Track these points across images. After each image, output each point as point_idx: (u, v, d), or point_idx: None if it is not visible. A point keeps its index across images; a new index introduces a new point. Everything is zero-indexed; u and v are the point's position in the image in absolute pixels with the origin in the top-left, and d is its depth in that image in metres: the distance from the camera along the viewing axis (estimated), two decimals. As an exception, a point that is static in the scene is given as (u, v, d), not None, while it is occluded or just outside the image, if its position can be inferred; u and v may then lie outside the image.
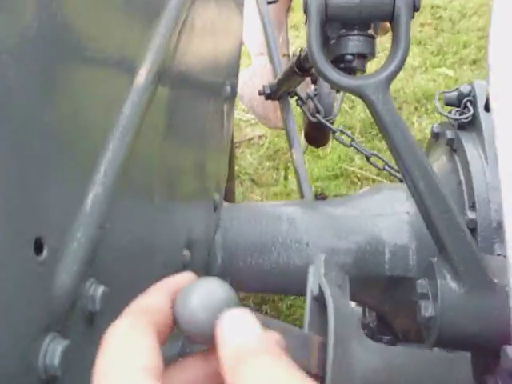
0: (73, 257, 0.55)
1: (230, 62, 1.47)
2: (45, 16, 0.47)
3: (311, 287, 0.56)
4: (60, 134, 0.52)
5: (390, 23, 0.92)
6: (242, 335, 0.41)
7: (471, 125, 1.28)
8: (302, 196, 1.74)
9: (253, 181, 3.08)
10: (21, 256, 0.47)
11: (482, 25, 4.01)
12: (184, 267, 1.02)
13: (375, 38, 0.95)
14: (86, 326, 0.59)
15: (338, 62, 0.94)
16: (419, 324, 0.88)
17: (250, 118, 3.40)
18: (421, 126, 3.26)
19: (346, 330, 0.52)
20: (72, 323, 0.56)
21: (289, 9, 2.66)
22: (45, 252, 0.51)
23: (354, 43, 0.93)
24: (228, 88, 1.43)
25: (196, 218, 1.18)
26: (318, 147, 2.41)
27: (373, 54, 0.95)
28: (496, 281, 0.83)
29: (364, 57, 0.94)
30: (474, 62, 3.73)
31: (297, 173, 1.76)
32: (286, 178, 3.10)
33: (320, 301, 0.55)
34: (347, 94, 2.87)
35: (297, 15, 3.95)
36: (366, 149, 1.86)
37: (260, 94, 1.90)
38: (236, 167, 2.95)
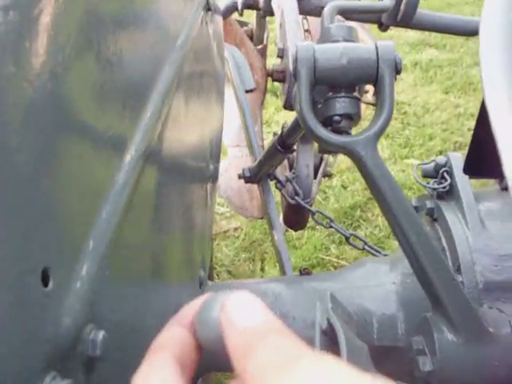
0: (76, 295, 0.55)
1: (212, 144, 1.51)
2: (44, 93, 0.50)
3: (319, 322, 0.55)
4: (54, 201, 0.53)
5: (374, 86, 0.97)
6: (250, 317, 0.40)
7: (449, 194, 1.31)
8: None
9: (229, 272, 3.06)
10: (28, 282, 0.47)
11: (445, 118, 4.19)
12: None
13: (360, 101, 1.00)
14: (85, 372, 0.57)
15: (326, 124, 0.98)
16: (417, 381, 0.87)
17: (225, 211, 3.43)
18: (393, 215, 3.31)
19: (357, 361, 0.52)
20: (72, 366, 0.54)
21: (263, 102, 2.76)
22: (51, 284, 0.50)
23: (340, 105, 0.97)
24: (211, 167, 1.46)
25: (183, 293, 1.16)
26: (296, 230, 2.43)
27: (358, 116, 0.99)
28: (493, 331, 0.83)
29: (350, 118, 0.98)
30: (440, 152, 3.86)
31: (278, 253, 1.76)
32: (262, 269, 3.09)
33: (329, 334, 0.54)
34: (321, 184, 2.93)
35: (268, 111, 4.08)
36: (344, 230, 1.87)
37: (240, 177, 1.92)
38: (213, 259, 2.94)
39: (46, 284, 0.49)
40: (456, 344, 0.85)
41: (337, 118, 0.98)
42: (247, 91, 2.16)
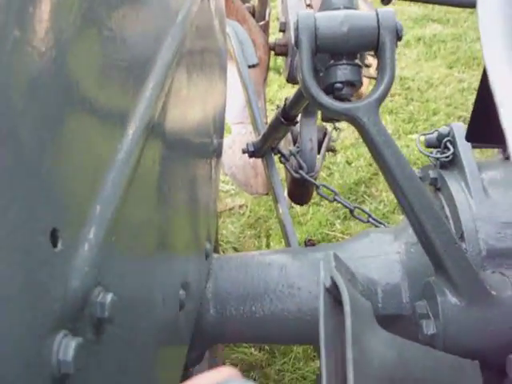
0: (84, 257, 0.56)
1: (216, 119, 1.51)
2: (48, 61, 0.51)
3: (323, 280, 0.56)
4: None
5: (376, 52, 0.98)
6: None
7: (452, 163, 1.32)
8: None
9: (235, 249, 3.08)
10: (37, 242, 0.48)
11: (448, 93, 4.17)
12: (181, 306, 1.02)
13: (362, 68, 1.01)
14: (95, 332, 0.59)
15: (328, 92, 1.00)
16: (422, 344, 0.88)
17: (230, 189, 3.44)
18: (398, 190, 3.31)
19: (360, 320, 0.53)
20: (82, 326, 0.56)
21: (266, 79, 2.76)
22: (59, 245, 0.51)
23: (342, 72, 0.99)
24: (215, 142, 1.46)
25: (189, 263, 1.18)
26: (301, 204, 2.44)
27: (360, 82, 1.00)
28: (495, 294, 0.84)
29: (352, 85, 1.00)
30: (445, 127, 3.84)
31: (283, 226, 1.77)
32: (268, 245, 3.10)
33: (333, 292, 0.55)
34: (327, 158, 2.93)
35: (271, 89, 4.07)
36: (348, 203, 1.88)
37: (244, 152, 1.92)
38: (218, 236, 2.96)
39: (55, 244, 0.51)
40: (459, 306, 0.86)
41: (338, 85, 0.99)
42: (250, 66, 2.16)
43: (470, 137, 1.08)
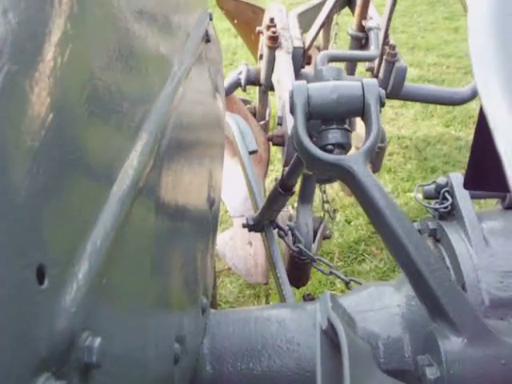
0: (72, 297, 0.54)
1: (213, 169, 1.51)
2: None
3: (320, 322, 0.54)
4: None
5: (362, 118, 1.08)
6: None
7: (451, 214, 1.31)
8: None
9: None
10: (22, 278, 0.46)
11: (446, 151, 4.20)
12: (175, 360, 0.99)
13: (350, 132, 1.12)
14: (81, 378, 0.56)
15: None
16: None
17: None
18: (398, 248, 3.29)
19: (359, 362, 0.50)
20: (67, 370, 0.53)
21: (265, 174, 2.91)
22: (46, 282, 0.49)
23: (333, 135, 1.09)
24: (212, 195, 1.46)
25: (185, 317, 1.15)
26: (298, 287, 2.49)
27: (349, 145, 1.09)
28: (495, 333, 0.82)
29: (342, 147, 1.08)
30: (443, 185, 3.85)
31: (279, 285, 1.77)
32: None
33: (330, 335, 0.53)
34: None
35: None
36: (344, 276, 1.89)
37: (244, 226, 1.98)
38: (217, 296, 2.91)
39: (41, 281, 0.49)
40: (460, 346, 0.84)
41: (330, 147, 1.08)
42: (250, 153, 2.32)
43: (467, 184, 1.07)
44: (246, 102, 3.14)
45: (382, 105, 1.08)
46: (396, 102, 5.03)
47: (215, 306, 2.41)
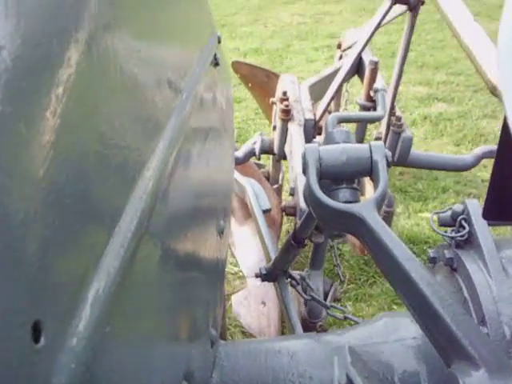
0: (71, 352, 0.50)
1: (222, 198, 1.48)
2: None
3: (338, 378, 0.50)
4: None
5: (370, 177, 1.16)
6: None
7: (468, 242, 1.26)
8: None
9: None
10: (16, 337, 0.42)
11: (457, 171, 4.16)
12: (183, 400, 0.95)
13: (359, 191, 1.20)
14: None
15: None
16: None
17: (238, 271, 3.37)
18: (410, 270, 3.24)
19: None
20: None
21: (279, 237, 3.02)
22: (42, 340, 0.46)
23: (343, 194, 1.16)
24: (221, 223, 1.42)
25: (193, 352, 1.11)
26: None
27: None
28: None
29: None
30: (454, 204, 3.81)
31: (286, 310, 1.76)
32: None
33: (347, 391, 0.49)
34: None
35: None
36: (359, 319, 1.88)
37: (257, 276, 1.99)
38: (226, 320, 2.87)
39: (36, 339, 0.45)
40: (481, 381, 0.81)
41: None
42: (264, 212, 2.44)
43: (486, 214, 1.03)
44: (260, 166, 3.33)
45: (389, 165, 1.15)
46: (405, 121, 5.00)
47: (225, 332, 2.39)
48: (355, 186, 1.19)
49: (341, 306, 3.04)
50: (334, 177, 1.17)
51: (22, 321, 0.43)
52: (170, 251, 0.89)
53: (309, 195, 1.15)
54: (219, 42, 1.56)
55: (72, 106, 0.54)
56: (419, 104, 5.41)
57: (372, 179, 1.16)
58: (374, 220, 1.03)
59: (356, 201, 1.16)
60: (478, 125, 4.91)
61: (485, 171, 4.04)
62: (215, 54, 1.47)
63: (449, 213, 1.31)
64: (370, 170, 1.15)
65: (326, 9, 8.96)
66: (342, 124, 2.73)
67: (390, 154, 1.16)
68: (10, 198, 0.43)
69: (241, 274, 3.37)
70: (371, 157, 1.15)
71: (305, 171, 1.17)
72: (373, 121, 2.89)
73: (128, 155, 0.70)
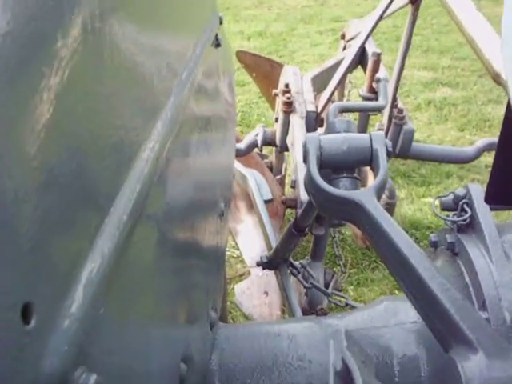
0: (63, 335, 0.49)
1: (223, 180, 1.47)
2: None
3: (333, 363, 0.49)
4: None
5: (370, 166, 1.16)
6: None
7: (470, 226, 1.25)
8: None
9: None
10: (5, 320, 0.42)
11: (461, 156, 4.13)
12: (181, 382, 0.94)
13: (359, 180, 1.21)
14: None
15: None
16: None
17: (240, 254, 3.36)
18: (412, 255, 3.24)
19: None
20: None
21: (281, 227, 2.97)
22: (33, 321, 0.45)
23: (343, 183, 1.17)
24: (222, 205, 1.41)
25: (192, 334, 1.10)
26: None
27: None
28: None
29: None
30: (458, 190, 3.80)
31: (287, 296, 1.77)
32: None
33: (344, 377, 0.49)
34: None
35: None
36: (360, 305, 1.89)
37: (258, 264, 2.04)
38: (227, 303, 2.87)
39: (27, 321, 0.44)
40: (479, 364, 0.81)
41: None
42: (266, 201, 2.50)
43: (488, 199, 1.02)
44: (262, 156, 3.33)
45: (389, 154, 1.16)
46: (409, 105, 4.97)
47: (226, 316, 2.39)
48: (355, 175, 1.19)
49: (342, 291, 3.06)
50: (335, 165, 1.18)
51: (11, 302, 0.42)
52: (167, 233, 0.88)
53: (309, 183, 1.15)
54: (221, 22, 1.54)
55: (66, 84, 0.53)
56: (424, 89, 5.37)
57: (372, 168, 1.17)
58: (374, 207, 1.03)
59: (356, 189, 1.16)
60: (483, 110, 4.88)
61: (488, 156, 4.00)
62: (216, 35, 1.45)
63: (451, 197, 1.30)
64: (370, 160, 1.16)
65: (331, -8, 8.89)
66: (344, 114, 2.74)
67: (390, 143, 1.17)
68: (0, 177, 0.42)
69: (242, 257, 3.37)
70: (371, 146, 1.15)
71: (305, 160, 1.17)
72: (374, 110, 2.89)
73: (124, 135, 0.69)
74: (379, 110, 2.74)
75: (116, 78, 0.69)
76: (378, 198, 1.08)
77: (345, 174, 1.18)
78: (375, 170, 1.15)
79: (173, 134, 0.89)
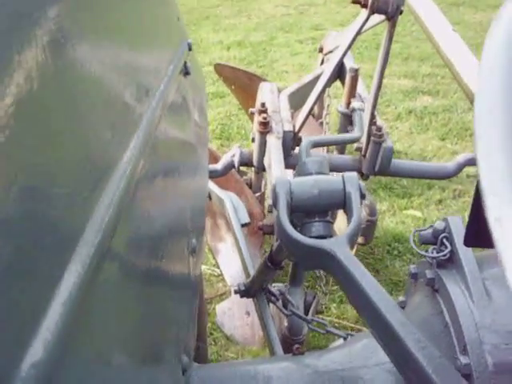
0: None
1: (195, 209, 1.42)
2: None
3: None
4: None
5: (344, 209, 1.12)
6: None
7: (450, 261, 1.21)
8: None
9: (227, 338, 2.92)
10: None
11: (442, 166, 4.10)
12: None
13: (332, 223, 1.17)
14: None
15: None
16: None
17: (221, 273, 3.31)
18: (395, 269, 3.21)
19: None
20: None
21: (262, 245, 2.98)
22: None
23: (316, 228, 1.13)
24: (193, 241, 1.36)
25: (162, 381, 1.05)
26: None
27: (331, 237, 1.11)
28: None
29: (324, 239, 1.10)
30: (440, 201, 3.77)
31: (267, 333, 1.72)
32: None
33: None
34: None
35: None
36: (341, 332, 1.82)
37: (235, 292, 1.97)
38: (208, 324, 2.82)
39: None
40: None
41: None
42: (243, 225, 2.44)
43: (467, 241, 0.97)
44: (242, 173, 3.27)
45: (363, 196, 1.12)
46: (390, 115, 4.95)
47: (205, 343, 2.34)
48: (328, 218, 1.16)
49: (325, 311, 3.01)
50: (306, 210, 1.14)
51: None
52: (133, 272, 0.84)
53: (279, 230, 1.11)
54: (190, 49, 1.49)
55: (26, 110, 0.51)
56: (404, 97, 5.35)
57: (345, 211, 1.13)
58: (346, 256, 1.00)
59: (329, 234, 1.12)
60: (464, 118, 4.86)
61: (470, 167, 3.99)
62: (185, 63, 1.41)
63: (430, 231, 1.25)
64: (344, 203, 1.12)
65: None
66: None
67: (363, 185, 1.14)
68: None
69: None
70: (344, 189, 1.12)
71: (275, 205, 1.14)
72: (348, 143, 2.84)
73: (90, 165, 0.66)
74: (354, 142, 2.68)
75: (82, 104, 0.66)
76: (351, 246, 1.04)
77: (317, 218, 1.13)
78: (348, 216, 1.11)
79: (141, 163, 0.86)
